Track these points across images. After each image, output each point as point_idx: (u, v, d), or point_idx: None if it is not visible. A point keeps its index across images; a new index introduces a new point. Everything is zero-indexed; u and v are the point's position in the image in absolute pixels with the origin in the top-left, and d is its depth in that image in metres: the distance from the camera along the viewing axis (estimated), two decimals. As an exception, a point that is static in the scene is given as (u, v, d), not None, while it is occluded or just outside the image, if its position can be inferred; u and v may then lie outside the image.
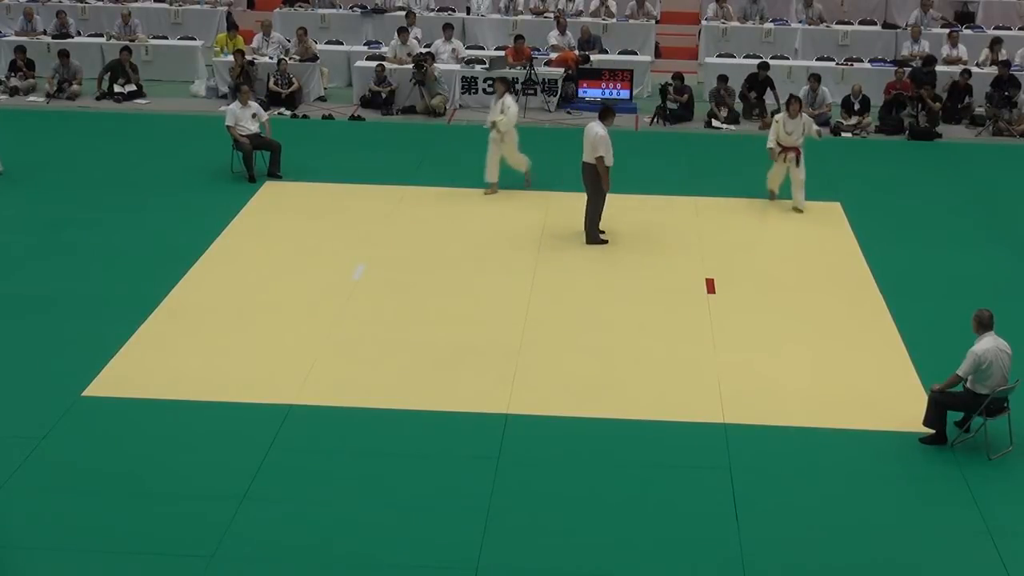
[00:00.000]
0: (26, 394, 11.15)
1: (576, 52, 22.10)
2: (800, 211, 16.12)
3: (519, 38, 21.95)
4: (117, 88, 21.22)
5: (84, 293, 13.32)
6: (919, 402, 10.80)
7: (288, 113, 20.74)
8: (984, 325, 10.41)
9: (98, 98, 21.23)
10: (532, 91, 21.16)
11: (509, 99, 16.37)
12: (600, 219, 14.93)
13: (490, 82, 21.30)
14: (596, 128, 14.62)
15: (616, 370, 11.80)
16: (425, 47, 22.20)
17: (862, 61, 22.47)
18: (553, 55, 22.04)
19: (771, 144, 16.19)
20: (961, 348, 10.44)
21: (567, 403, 11.13)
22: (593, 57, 22.09)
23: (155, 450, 10.27)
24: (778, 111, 20.48)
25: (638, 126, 20.40)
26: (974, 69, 21.30)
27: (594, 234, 14.92)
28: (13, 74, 21.58)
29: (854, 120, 20.20)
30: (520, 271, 14.10)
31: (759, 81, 20.90)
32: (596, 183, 14.70)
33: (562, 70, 21.37)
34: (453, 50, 22.19)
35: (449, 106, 21.17)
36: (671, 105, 20.48)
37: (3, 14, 24.35)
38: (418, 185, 15.98)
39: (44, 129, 19.86)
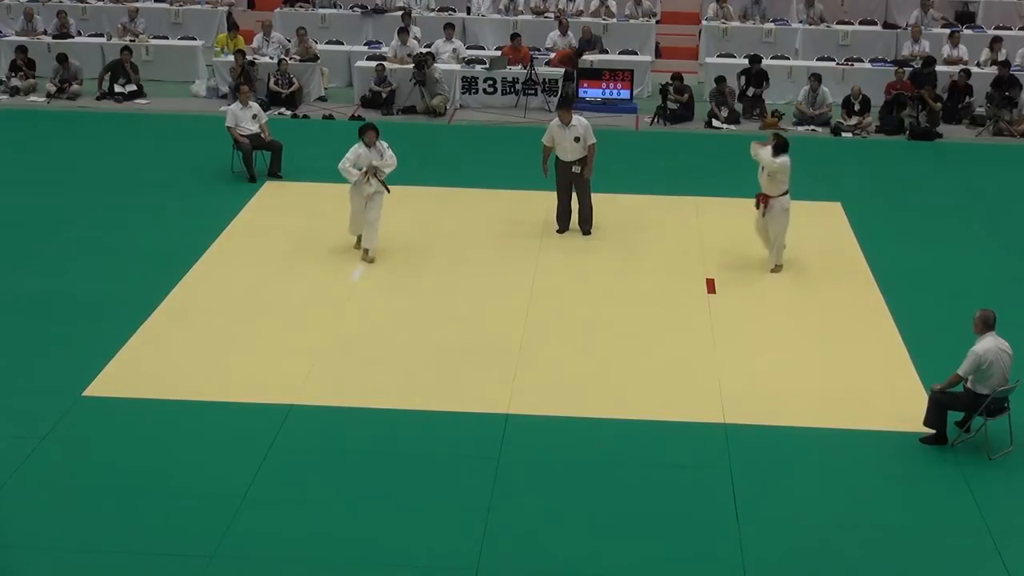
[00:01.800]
0: (26, 394, 11.15)
1: (570, 47, 22.11)
2: (777, 268, 14.09)
3: (515, 36, 21.97)
4: (117, 88, 21.21)
5: (84, 293, 13.32)
6: (919, 402, 10.80)
7: (288, 113, 20.74)
8: (989, 325, 10.41)
9: (98, 98, 21.22)
10: (532, 91, 21.17)
11: (385, 143, 14.57)
12: (561, 209, 15.23)
13: (491, 82, 21.34)
14: None
15: (616, 370, 11.80)
16: (426, 47, 22.20)
17: (862, 61, 22.46)
18: (553, 55, 22.05)
19: (754, 154, 14.02)
20: (961, 348, 10.44)
21: (567, 403, 11.13)
22: (593, 57, 22.09)
23: (155, 450, 10.27)
24: (778, 110, 20.62)
25: (638, 126, 20.40)
26: (974, 69, 21.30)
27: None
28: (14, 74, 21.57)
29: (854, 120, 20.20)
30: (520, 271, 14.10)
31: (753, 75, 20.95)
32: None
33: (562, 70, 21.36)
34: (454, 50, 22.18)
35: (450, 106, 21.16)
36: (671, 105, 20.48)
37: (3, 14, 24.36)
38: (418, 185, 15.96)
39: (44, 129, 19.86)
